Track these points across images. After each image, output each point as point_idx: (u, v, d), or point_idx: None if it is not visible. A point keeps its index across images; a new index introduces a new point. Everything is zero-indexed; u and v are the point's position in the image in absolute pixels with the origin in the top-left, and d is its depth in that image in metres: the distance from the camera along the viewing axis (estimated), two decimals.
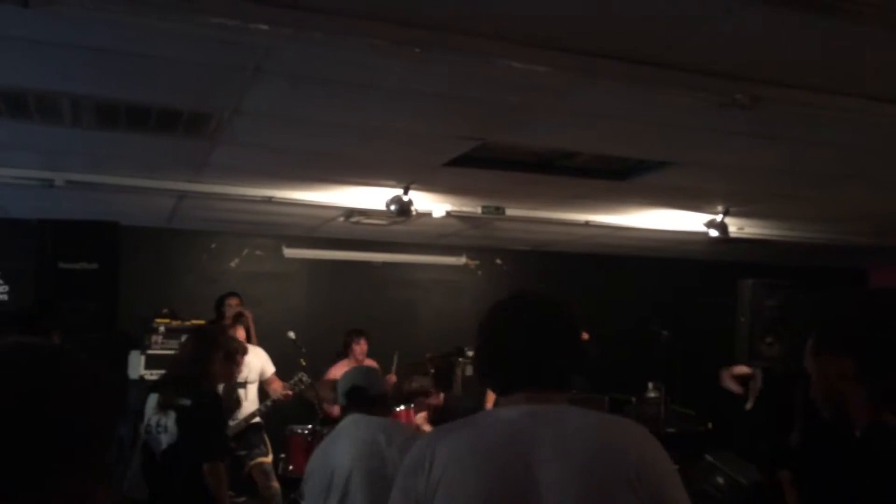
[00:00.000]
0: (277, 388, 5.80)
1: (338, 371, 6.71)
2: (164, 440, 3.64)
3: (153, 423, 3.71)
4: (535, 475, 1.56)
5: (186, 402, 3.62)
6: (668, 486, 1.60)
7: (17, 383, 0.82)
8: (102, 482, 0.86)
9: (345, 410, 3.20)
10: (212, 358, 3.82)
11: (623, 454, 1.58)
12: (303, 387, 5.75)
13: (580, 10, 2.40)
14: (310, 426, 5.87)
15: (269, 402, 5.72)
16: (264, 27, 2.39)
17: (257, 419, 5.68)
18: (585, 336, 5.96)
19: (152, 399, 3.78)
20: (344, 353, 6.82)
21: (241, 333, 5.68)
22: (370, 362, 6.90)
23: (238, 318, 5.91)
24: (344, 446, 2.95)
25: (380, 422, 3.05)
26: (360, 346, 6.76)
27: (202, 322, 6.33)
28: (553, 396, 1.70)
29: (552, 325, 1.72)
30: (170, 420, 3.62)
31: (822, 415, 1.74)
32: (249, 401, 5.75)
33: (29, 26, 2.57)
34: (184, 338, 5.53)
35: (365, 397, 3.10)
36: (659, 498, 1.56)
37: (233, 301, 6.35)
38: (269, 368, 5.97)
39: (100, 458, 0.85)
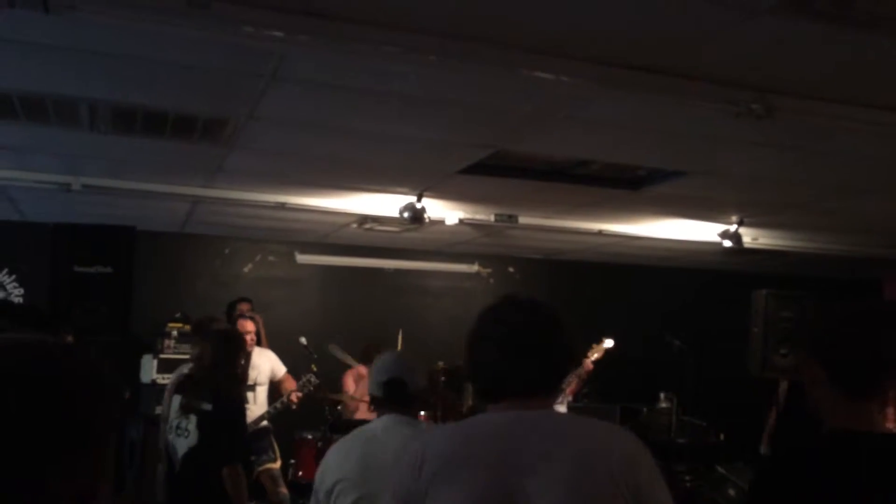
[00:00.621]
0: (292, 387, 5.79)
1: (354, 373, 6.74)
2: (185, 444, 3.65)
3: (174, 425, 3.74)
4: (522, 478, 1.58)
5: (207, 406, 3.62)
6: (653, 488, 1.62)
7: (17, 378, 0.81)
8: (104, 480, 0.86)
9: (377, 404, 2.75)
10: (234, 361, 3.83)
11: (608, 457, 1.60)
12: (311, 388, 5.76)
13: (595, 19, 2.40)
14: (319, 431, 5.88)
15: (277, 405, 5.72)
16: (279, 34, 2.41)
17: (265, 423, 5.67)
18: (610, 344, 5.95)
19: (176, 401, 3.80)
20: (363, 360, 6.84)
21: (250, 325, 5.69)
22: None
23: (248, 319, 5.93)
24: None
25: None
26: None
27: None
28: (541, 402, 1.72)
29: (540, 331, 1.73)
30: (191, 424, 3.64)
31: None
32: (258, 404, 5.75)
33: (48, 32, 2.61)
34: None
35: (404, 394, 2.65)
36: (643, 500, 1.58)
37: (244, 306, 6.37)
38: (280, 369, 5.96)
39: (101, 455, 0.85)
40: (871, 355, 1.60)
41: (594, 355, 5.97)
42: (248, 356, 5.61)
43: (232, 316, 6.18)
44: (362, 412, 6.64)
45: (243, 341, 4.15)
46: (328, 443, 5.86)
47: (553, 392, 1.76)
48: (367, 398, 6.56)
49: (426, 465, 1.64)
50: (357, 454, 2.52)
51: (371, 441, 2.56)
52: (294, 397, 5.69)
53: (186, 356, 5.31)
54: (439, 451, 1.66)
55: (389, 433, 2.54)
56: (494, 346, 1.73)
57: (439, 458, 1.64)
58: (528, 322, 1.74)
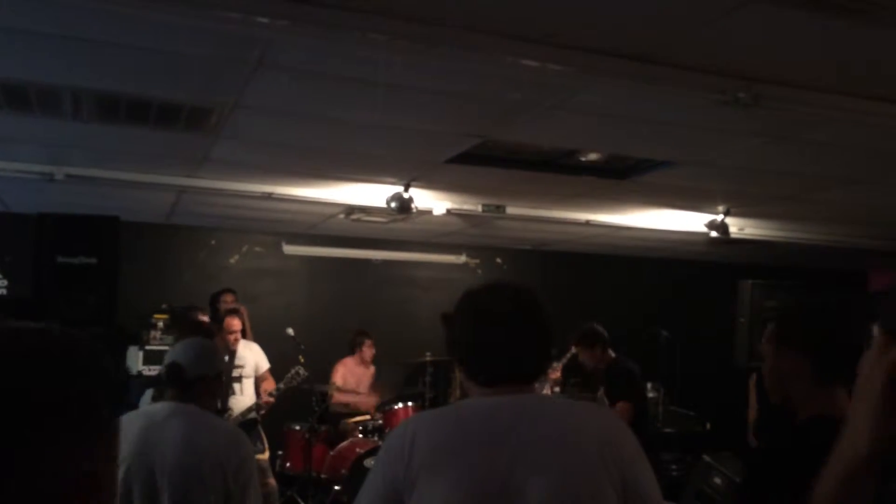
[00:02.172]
0: (269, 388, 5.78)
1: (343, 368, 6.74)
2: None
3: None
4: (511, 462, 1.59)
5: None
6: (637, 469, 1.64)
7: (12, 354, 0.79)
8: (109, 468, 0.84)
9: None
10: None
11: (593, 439, 1.63)
12: (300, 380, 5.74)
13: (583, 6, 2.39)
14: (308, 423, 5.87)
15: (254, 406, 5.70)
16: (265, 20, 2.38)
17: (253, 415, 5.66)
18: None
19: (148, 395, 3.75)
20: (351, 350, 6.86)
21: (236, 324, 5.67)
22: (372, 367, 6.94)
23: (234, 312, 5.90)
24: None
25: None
26: (368, 349, 6.84)
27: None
28: (527, 386, 1.73)
29: (525, 317, 1.75)
30: None
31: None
32: (245, 396, 5.73)
33: (30, 18, 2.57)
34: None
35: (180, 379, 2.58)
36: (627, 481, 1.61)
37: (228, 297, 6.34)
38: (264, 364, 5.94)
39: (104, 442, 0.83)
40: (852, 347, 1.70)
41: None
42: (231, 353, 5.59)
43: (215, 307, 6.16)
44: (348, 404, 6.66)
45: (213, 334, 4.11)
46: (316, 434, 5.87)
47: (538, 377, 1.77)
48: (358, 389, 6.58)
49: (416, 451, 1.63)
50: (134, 435, 2.44)
51: (150, 426, 2.48)
52: (267, 400, 5.68)
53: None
54: (429, 437, 1.66)
55: (168, 421, 2.49)
56: (485, 332, 1.73)
57: (429, 446, 1.64)
58: (517, 308, 1.75)
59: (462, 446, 1.63)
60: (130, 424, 2.45)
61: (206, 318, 5.40)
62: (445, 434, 1.67)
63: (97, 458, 0.82)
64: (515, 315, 1.73)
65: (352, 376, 6.74)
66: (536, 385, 1.81)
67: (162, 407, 2.58)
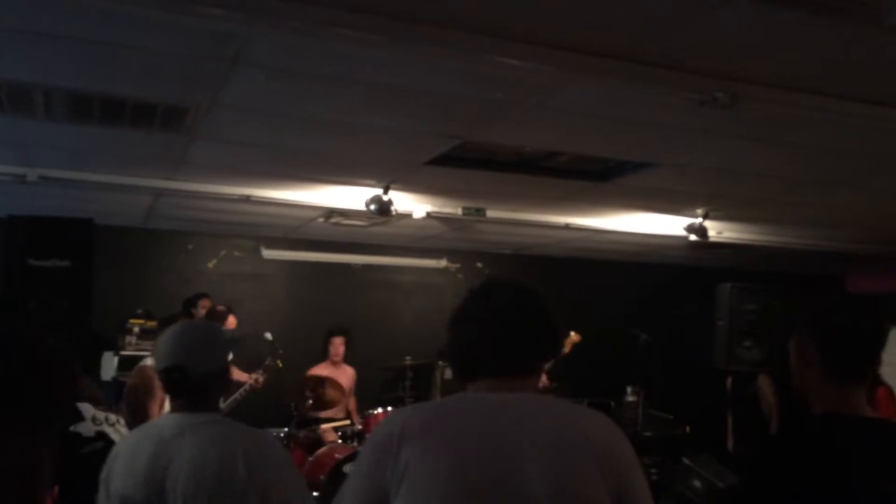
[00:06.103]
0: (241, 378, 5.77)
1: (317, 373, 6.67)
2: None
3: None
4: (504, 461, 1.55)
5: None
6: (632, 476, 1.62)
7: None
8: (51, 452, 0.81)
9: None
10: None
11: (590, 441, 1.59)
12: (269, 363, 5.82)
13: (564, 5, 2.38)
14: (285, 429, 5.81)
15: (239, 396, 5.68)
16: (242, 16, 2.35)
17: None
18: (577, 337, 5.97)
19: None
20: (325, 355, 6.80)
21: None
22: (348, 368, 6.87)
23: (222, 317, 5.87)
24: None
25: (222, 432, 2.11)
26: (335, 347, 6.74)
27: None
28: (521, 383, 1.69)
29: (522, 312, 1.72)
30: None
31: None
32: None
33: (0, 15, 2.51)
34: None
35: (186, 384, 2.14)
36: (623, 489, 1.58)
37: (205, 302, 6.28)
38: None
39: (45, 431, 0.80)
40: (866, 343, 1.69)
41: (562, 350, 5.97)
42: None
43: (190, 312, 6.09)
44: (328, 411, 6.60)
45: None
46: (294, 440, 5.80)
47: (531, 373, 1.72)
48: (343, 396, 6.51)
49: (403, 449, 1.56)
50: (144, 462, 2.06)
51: (160, 445, 2.07)
52: (258, 381, 5.69)
53: (148, 353, 5.21)
54: (418, 435, 1.59)
55: (182, 437, 2.07)
56: (475, 326, 1.71)
57: (417, 444, 1.57)
58: (510, 303, 1.73)
59: (449, 444, 1.57)
60: (139, 446, 2.10)
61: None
62: (433, 432, 1.59)
63: (39, 450, 0.79)
64: (505, 311, 1.71)
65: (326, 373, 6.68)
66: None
67: (171, 420, 2.16)
